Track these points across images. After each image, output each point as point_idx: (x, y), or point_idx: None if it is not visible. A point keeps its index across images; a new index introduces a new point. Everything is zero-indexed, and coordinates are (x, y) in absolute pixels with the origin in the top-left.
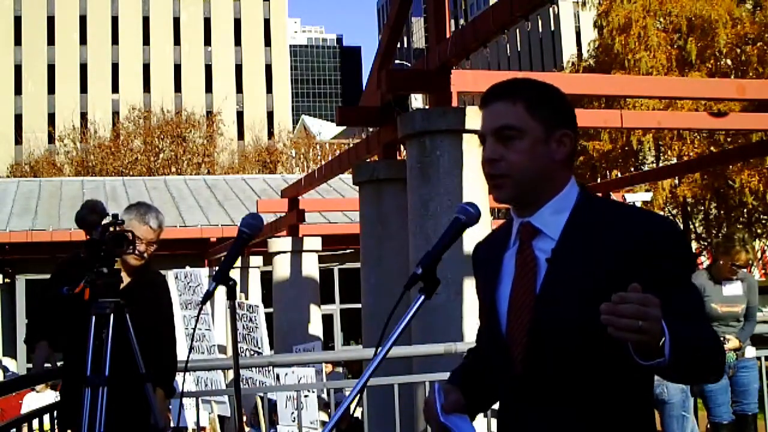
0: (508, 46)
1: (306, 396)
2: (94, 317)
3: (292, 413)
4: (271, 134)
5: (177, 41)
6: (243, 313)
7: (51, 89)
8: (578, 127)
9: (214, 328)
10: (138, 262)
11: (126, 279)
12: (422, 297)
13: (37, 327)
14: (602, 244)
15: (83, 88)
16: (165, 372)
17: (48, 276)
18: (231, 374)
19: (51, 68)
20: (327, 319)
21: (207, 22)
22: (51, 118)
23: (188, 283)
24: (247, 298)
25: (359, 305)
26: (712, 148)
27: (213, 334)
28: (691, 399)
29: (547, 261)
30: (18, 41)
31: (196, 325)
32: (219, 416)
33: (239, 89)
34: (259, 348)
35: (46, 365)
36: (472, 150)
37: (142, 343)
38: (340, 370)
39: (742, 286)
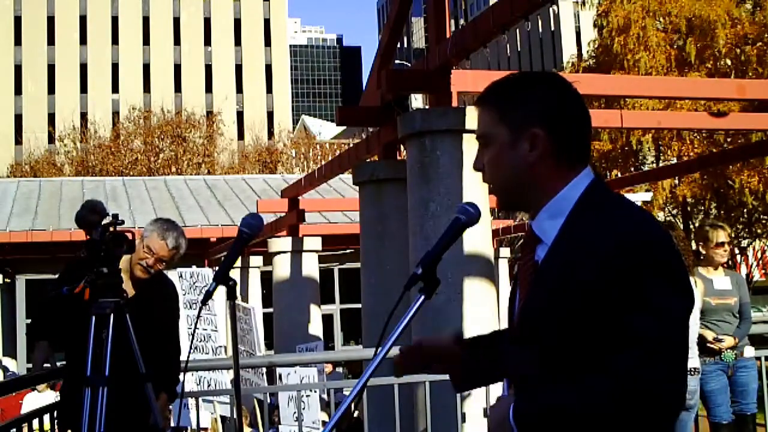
0: (508, 46)
1: (308, 396)
2: (94, 317)
3: (294, 413)
4: (271, 134)
5: (177, 41)
6: (239, 315)
7: (51, 89)
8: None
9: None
10: (144, 275)
11: (131, 290)
12: (422, 297)
13: (38, 326)
14: (582, 255)
15: (83, 88)
16: (170, 380)
17: (48, 276)
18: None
19: (51, 68)
20: (327, 319)
21: (207, 22)
22: (51, 118)
23: (194, 282)
24: (247, 299)
25: (359, 305)
26: (712, 148)
27: (218, 335)
28: None
29: (534, 272)
30: (18, 41)
31: (196, 325)
32: (221, 416)
33: (239, 89)
34: (253, 351)
35: (45, 365)
36: (472, 150)
37: (147, 349)
38: (340, 370)
39: (731, 280)
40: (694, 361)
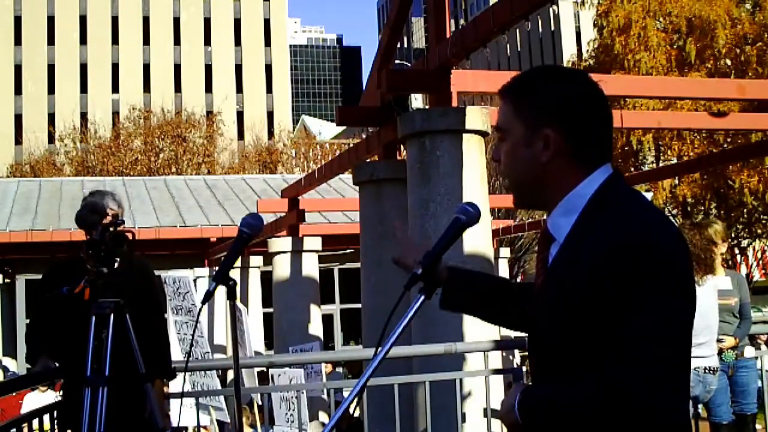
0: (508, 46)
1: (295, 397)
2: (94, 317)
3: (287, 414)
4: (271, 134)
5: (177, 41)
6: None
7: (51, 89)
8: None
9: (213, 329)
10: None
11: None
12: (422, 297)
13: (35, 345)
14: (585, 254)
15: (83, 88)
16: (158, 357)
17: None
18: (230, 375)
19: (51, 68)
20: (327, 319)
21: (207, 22)
22: (51, 118)
23: (177, 288)
24: (247, 299)
25: (359, 305)
26: (712, 148)
27: (205, 342)
28: None
29: (546, 270)
30: (18, 41)
31: (195, 328)
32: (218, 421)
33: (239, 89)
34: (245, 351)
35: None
36: (472, 150)
37: (134, 323)
38: (340, 370)
39: (732, 280)
40: (713, 359)
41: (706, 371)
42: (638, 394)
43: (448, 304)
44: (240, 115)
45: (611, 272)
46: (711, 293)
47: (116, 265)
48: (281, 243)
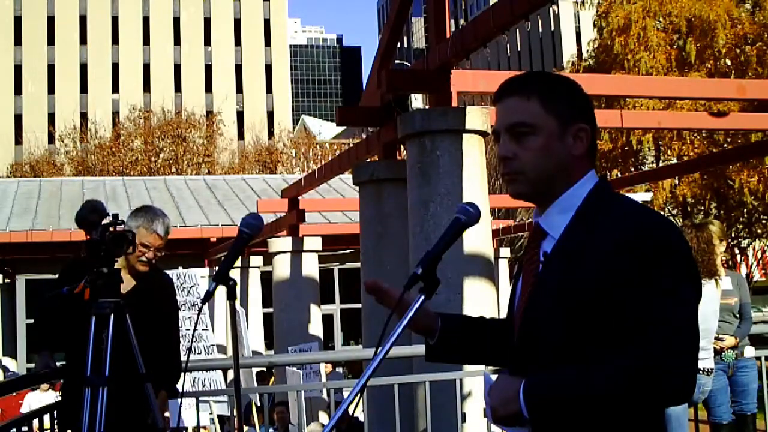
0: (508, 46)
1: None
2: (94, 317)
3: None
4: (271, 134)
5: (177, 41)
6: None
7: (51, 89)
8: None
9: (213, 329)
10: (145, 269)
11: (131, 282)
12: (422, 297)
13: (39, 329)
14: (592, 249)
15: (83, 88)
16: (171, 375)
17: (48, 276)
18: (230, 375)
19: (51, 68)
20: (327, 319)
21: (207, 22)
22: (51, 118)
23: (182, 284)
24: (247, 299)
25: (359, 305)
26: (712, 148)
27: (210, 335)
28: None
29: (540, 263)
30: (18, 41)
31: (196, 325)
32: (219, 416)
33: (239, 89)
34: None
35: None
36: (472, 150)
37: (146, 345)
38: (340, 370)
39: (731, 280)
40: (709, 361)
41: (701, 372)
42: (663, 372)
43: (437, 356)
44: (240, 115)
45: (637, 257)
46: (712, 298)
47: (143, 281)
48: (281, 243)
